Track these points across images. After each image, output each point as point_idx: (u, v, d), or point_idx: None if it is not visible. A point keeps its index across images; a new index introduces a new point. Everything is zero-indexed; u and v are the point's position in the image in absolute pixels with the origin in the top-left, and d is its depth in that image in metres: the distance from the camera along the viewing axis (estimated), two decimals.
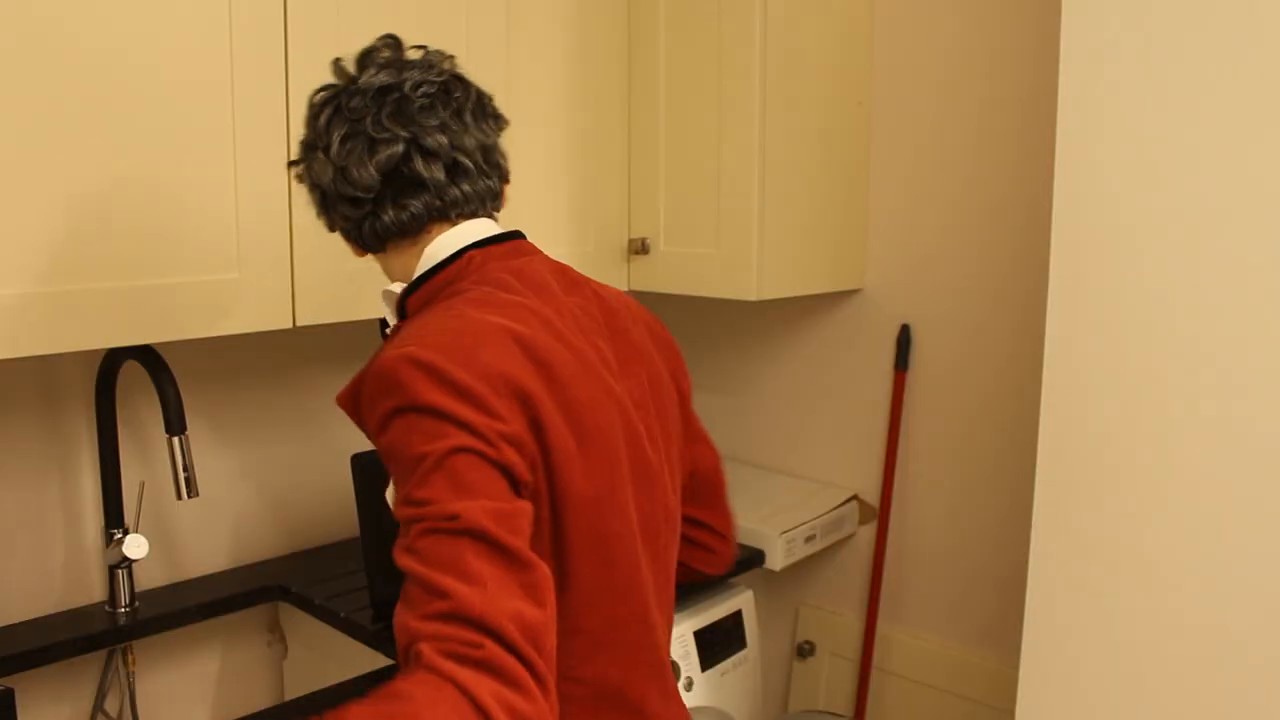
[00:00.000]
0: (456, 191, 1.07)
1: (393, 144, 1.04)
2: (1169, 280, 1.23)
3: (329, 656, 1.65)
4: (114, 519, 1.54)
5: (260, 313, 1.39)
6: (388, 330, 1.12)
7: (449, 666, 0.77)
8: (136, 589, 1.56)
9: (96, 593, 1.57)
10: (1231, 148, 1.18)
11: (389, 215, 1.06)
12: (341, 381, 1.85)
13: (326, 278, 1.46)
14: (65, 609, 1.54)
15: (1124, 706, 1.30)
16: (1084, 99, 1.27)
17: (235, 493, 1.72)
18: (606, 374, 1.05)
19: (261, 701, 1.76)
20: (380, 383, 0.93)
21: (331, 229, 1.14)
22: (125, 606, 1.53)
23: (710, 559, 1.34)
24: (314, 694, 1.35)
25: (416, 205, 1.06)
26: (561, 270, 1.14)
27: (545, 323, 1.02)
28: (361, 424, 0.98)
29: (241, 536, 1.74)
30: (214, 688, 1.70)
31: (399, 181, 1.05)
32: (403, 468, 0.90)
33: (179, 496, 1.42)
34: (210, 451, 1.68)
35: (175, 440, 1.41)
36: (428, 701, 0.75)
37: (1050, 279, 1.32)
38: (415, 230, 1.08)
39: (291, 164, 1.15)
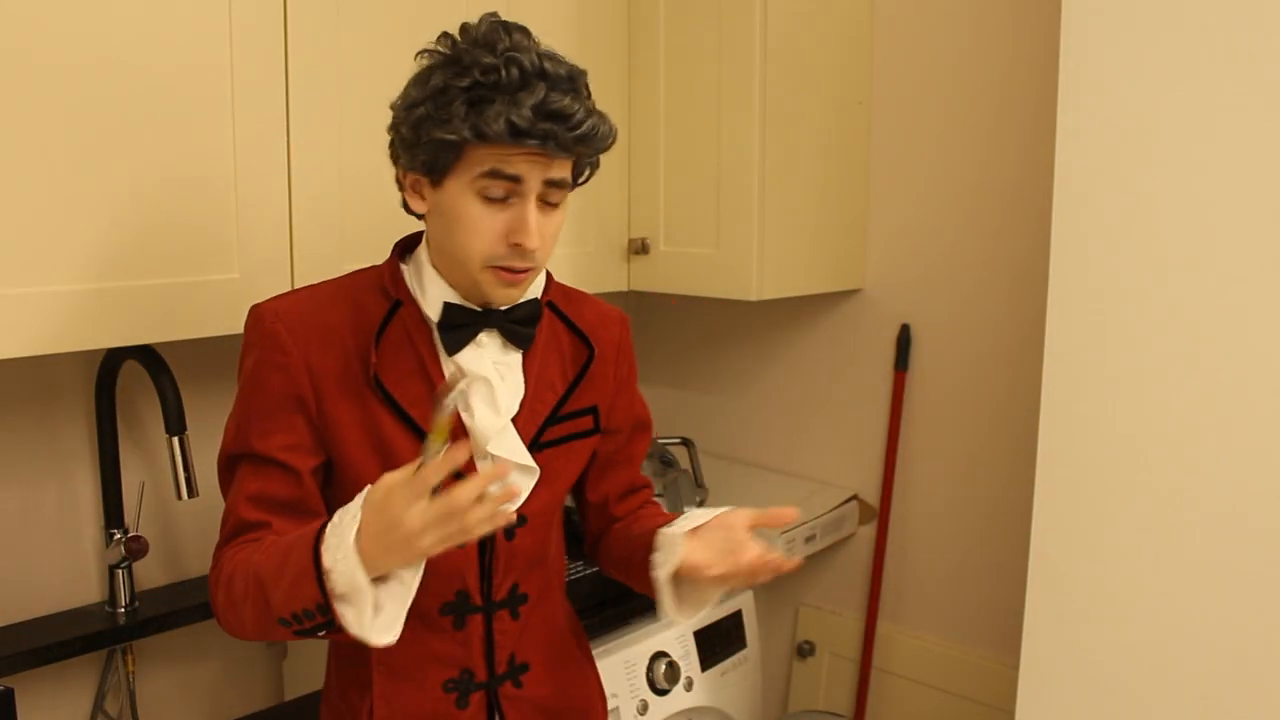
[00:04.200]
0: None
1: None
2: (1168, 280, 1.23)
3: None
4: (114, 519, 1.54)
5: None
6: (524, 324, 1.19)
7: None
8: (136, 589, 1.56)
9: (96, 593, 1.57)
10: (1231, 148, 1.18)
11: None
12: None
13: (326, 277, 1.46)
14: (65, 609, 1.54)
15: (1123, 706, 1.30)
16: (1084, 99, 1.27)
17: None
18: None
19: (261, 701, 1.76)
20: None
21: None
22: (125, 606, 1.53)
23: None
24: (314, 694, 1.35)
25: None
26: None
27: None
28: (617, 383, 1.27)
29: None
30: (214, 688, 1.70)
31: None
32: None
33: (179, 496, 1.41)
34: (211, 452, 1.67)
35: (175, 440, 1.41)
36: None
37: (1050, 279, 1.32)
38: None
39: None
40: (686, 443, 2.02)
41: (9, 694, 1.28)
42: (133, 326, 1.29)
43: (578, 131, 1.04)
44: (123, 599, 1.53)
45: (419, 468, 0.93)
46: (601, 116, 1.08)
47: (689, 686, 1.76)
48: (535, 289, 1.20)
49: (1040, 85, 1.74)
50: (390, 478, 0.95)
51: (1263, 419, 1.18)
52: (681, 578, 1.14)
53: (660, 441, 1.97)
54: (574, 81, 1.07)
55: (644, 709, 1.68)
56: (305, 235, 1.43)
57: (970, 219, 1.88)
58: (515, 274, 1.09)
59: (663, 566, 1.14)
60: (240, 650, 1.73)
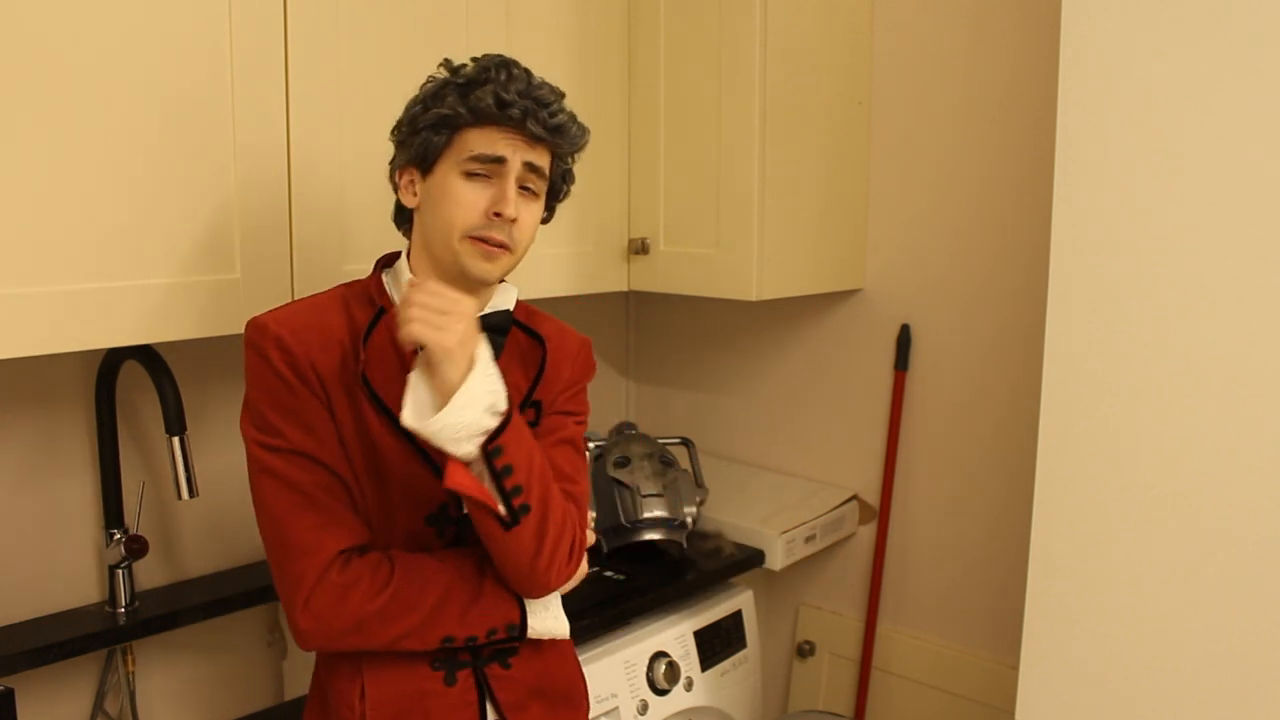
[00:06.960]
0: None
1: None
2: (1168, 280, 1.23)
3: None
4: (114, 519, 1.54)
5: (260, 313, 1.39)
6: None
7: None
8: (136, 589, 1.56)
9: (96, 593, 1.57)
10: (1231, 149, 1.18)
11: None
12: None
13: (326, 278, 1.46)
14: (65, 609, 1.54)
15: (1123, 706, 1.30)
16: (1084, 99, 1.27)
17: (235, 493, 1.72)
18: None
19: (261, 701, 1.76)
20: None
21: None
22: (125, 606, 1.53)
23: None
24: None
25: None
26: None
27: None
28: (566, 385, 1.29)
29: (241, 536, 1.74)
30: (214, 688, 1.70)
31: None
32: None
33: (179, 496, 1.42)
34: (211, 452, 1.68)
35: (175, 440, 1.41)
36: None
37: (1050, 278, 1.32)
38: None
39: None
40: (686, 443, 2.03)
41: (9, 694, 1.28)
42: (133, 326, 1.29)
43: (556, 119, 1.17)
44: (123, 599, 1.53)
45: None
46: (578, 122, 1.21)
47: (689, 686, 1.77)
48: (507, 300, 1.27)
49: (1041, 84, 1.74)
50: None
51: (1264, 417, 1.18)
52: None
53: (660, 441, 1.97)
54: (556, 91, 1.20)
55: (644, 709, 1.68)
56: (305, 235, 1.43)
57: (970, 219, 1.88)
58: (493, 246, 1.17)
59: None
60: (240, 650, 1.73)
